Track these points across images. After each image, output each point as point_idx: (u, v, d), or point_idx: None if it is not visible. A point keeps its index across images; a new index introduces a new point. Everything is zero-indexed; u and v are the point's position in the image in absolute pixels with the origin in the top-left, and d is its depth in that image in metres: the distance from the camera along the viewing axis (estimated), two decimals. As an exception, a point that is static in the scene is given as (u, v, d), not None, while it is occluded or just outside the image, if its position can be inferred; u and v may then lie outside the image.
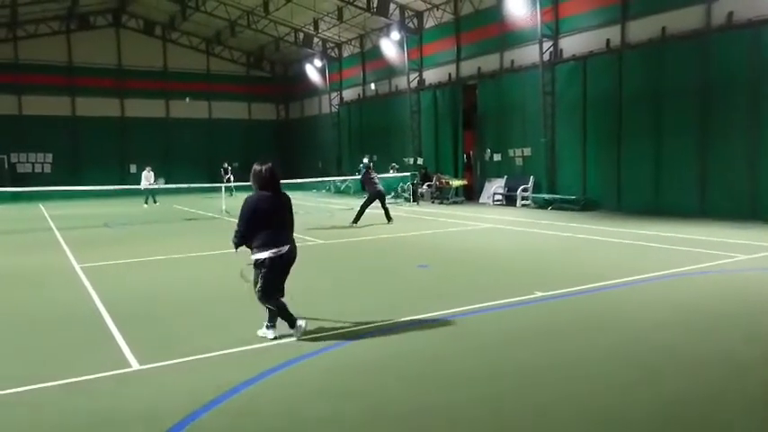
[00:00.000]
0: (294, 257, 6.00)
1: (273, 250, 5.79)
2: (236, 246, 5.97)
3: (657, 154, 17.50)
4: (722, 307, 6.96)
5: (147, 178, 24.70)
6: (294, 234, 6.06)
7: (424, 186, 24.80)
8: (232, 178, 28.06)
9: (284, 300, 5.96)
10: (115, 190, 26.64)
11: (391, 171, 24.54)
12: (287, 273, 6.02)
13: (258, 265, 5.85)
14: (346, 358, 5.44)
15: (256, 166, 5.95)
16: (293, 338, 5.87)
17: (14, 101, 33.81)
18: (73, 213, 21.67)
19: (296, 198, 28.76)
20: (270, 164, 6.00)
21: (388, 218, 16.49)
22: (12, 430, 4.12)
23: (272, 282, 5.86)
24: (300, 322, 5.92)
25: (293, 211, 6.12)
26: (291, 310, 5.95)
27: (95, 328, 6.54)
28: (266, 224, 5.80)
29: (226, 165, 30.10)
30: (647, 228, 14.09)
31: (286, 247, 5.86)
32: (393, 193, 25.97)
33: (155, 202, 24.88)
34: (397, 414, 4.26)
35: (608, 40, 18.84)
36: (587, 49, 19.53)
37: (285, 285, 6.01)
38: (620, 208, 18.51)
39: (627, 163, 18.45)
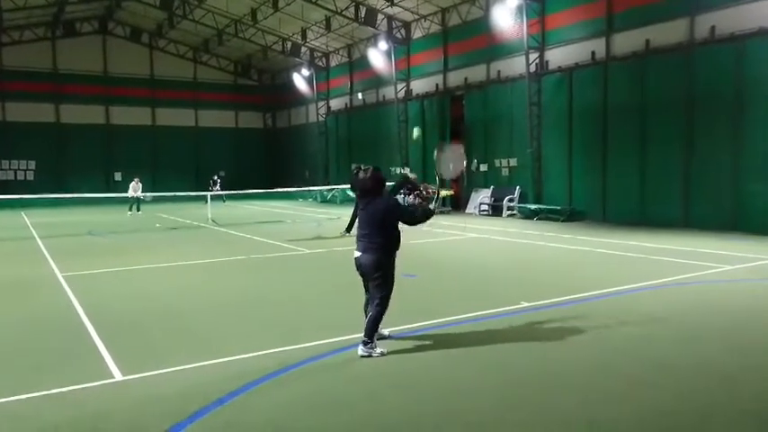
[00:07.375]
0: (365, 267, 5.92)
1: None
2: None
3: (642, 165, 17.69)
4: (706, 317, 7.02)
5: (135, 189, 24.70)
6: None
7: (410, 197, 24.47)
8: (219, 189, 29.03)
9: (367, 308, 6.00)
10: (100, 198, 26.42)
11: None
12: (364, 278, 6.05)
13: None
14: (333, 369, 5.41)
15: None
16: (287, 348, 5.89)
17: (-2, 108, 33.50)
18: (56, 221, 21.42)
19: (282, 207, 28.17)
20: (362, 169, 6.19)
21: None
22: (-9, 443, 4.05)
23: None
24: (384, 331, 6.14)
25: (395, 217, 5.98)
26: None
27: (78, 338, 6.45)
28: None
29: (215, 177, 31.22)
30: (631, 238, 14.20)
31: (357, 254, 5.98)
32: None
33: (138, 210, 24.72)
34: (384, 425, 4.24)
35: (593, 53, 19.04)
36: (573, 60, 19.73)
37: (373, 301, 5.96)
38: (605, 218, 18.66)
39: (612, 174, 18.63)
